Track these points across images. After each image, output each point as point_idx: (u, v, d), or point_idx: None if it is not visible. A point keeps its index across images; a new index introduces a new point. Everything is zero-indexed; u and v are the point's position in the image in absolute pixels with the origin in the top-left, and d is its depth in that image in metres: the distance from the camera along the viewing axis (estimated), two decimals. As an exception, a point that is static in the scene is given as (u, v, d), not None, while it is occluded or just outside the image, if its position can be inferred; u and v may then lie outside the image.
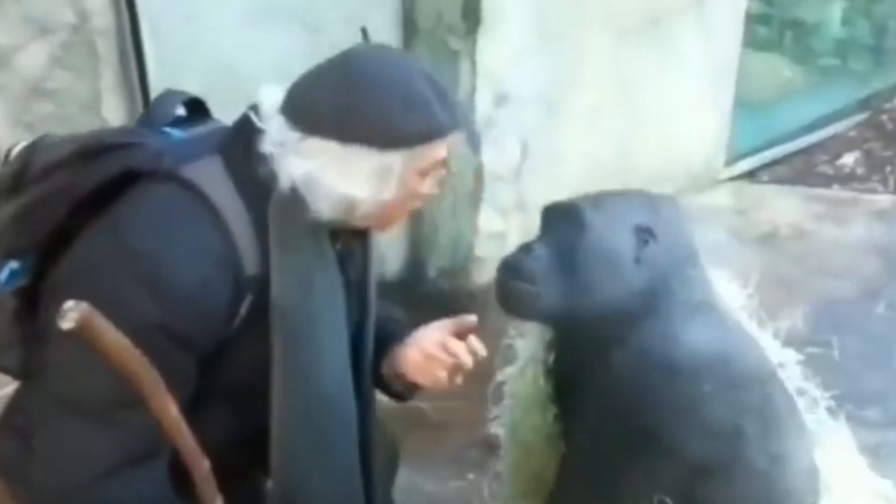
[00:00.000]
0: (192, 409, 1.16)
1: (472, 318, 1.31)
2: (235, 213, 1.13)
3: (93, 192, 1.15)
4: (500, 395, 1.78)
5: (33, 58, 1.74)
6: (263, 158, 1.13)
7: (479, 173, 2.78)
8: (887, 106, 4.58)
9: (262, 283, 1.16)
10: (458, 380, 1.32)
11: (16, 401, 1.21)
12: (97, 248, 1.13)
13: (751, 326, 1.51)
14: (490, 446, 2.28)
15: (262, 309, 1.17)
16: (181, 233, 1.12)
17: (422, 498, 2.05)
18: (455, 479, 2.12)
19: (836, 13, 4.74)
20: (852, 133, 4.41)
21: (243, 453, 1.28)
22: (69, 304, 0.79)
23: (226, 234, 1.13)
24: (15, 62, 1.72)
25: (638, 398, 1.33)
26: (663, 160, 3.47)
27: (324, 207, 1.14)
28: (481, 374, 2.52)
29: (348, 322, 1.26)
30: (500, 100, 2.75)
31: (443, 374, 1.29)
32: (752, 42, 3.84)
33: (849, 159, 4.19)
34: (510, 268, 1.38)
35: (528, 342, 1.66)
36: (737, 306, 1.51)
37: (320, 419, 1.23)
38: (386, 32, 2.63)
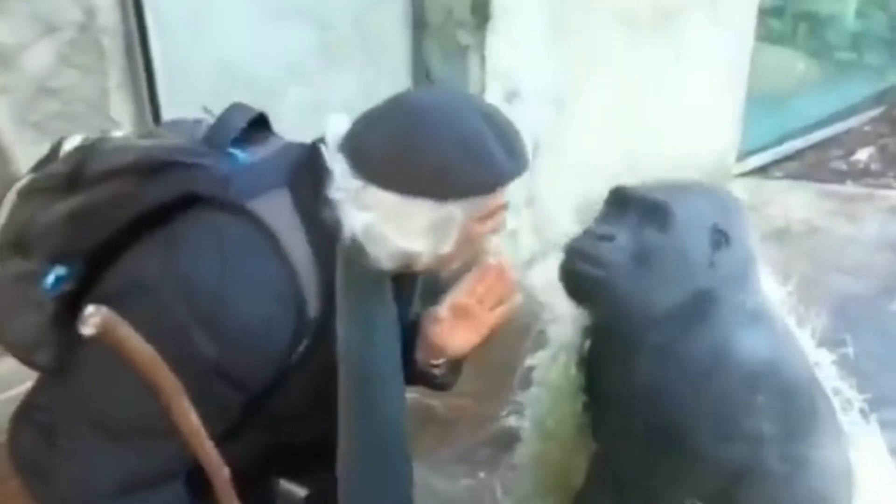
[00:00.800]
0: (229, 431, 1.15)
1: (491, 263, 1.25)
2: (301, 254, 1.10)
3: (151, 210, 1.11)
4: (527, 383, 1.74)
5: (40, 56, 1.73)
6: (329, 202, 1.10)
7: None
8: (902, 100, 4.55)
9: (320, 326, 1.13)
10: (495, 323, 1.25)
11: (38, 396, 1.19)
12: (154, 269, 1.09)
13: (792, 326, 1.47)
14: (501, 443, 2.27)
15: (314, 351, 1.14)
16: (246, 269, 1.08)
17: (432, 497, 2.04)
18: (466, 478, 2.11)
19: (850, 6, 4.69)
20: (866, 128, 4.37)
21: (271, 466, 1.28)
22: (90, 309, 0.78)
23: (291, 274, 1.10)
24: (21, 61, 1.71)
25: (681, 401, 1.29)
26: (675, 156, 3.44)
27: (383, 258, 1.12)
28: (492, 370, 2.55)
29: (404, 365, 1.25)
30: (511, 96, 2.73)
31: (478, 324, 1.24)
32: (765, 36, 3.82)
33: (863, 155, 4.16)
34: (584, 252, 1.31)
35: (561, 328, 1.62)
36: (777, 303, 1.47)
37: (381, 452, 1.22)
38: (395, 28, 2.62)
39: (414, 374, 1.34)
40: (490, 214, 1.14)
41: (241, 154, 1.17)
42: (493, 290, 1.24)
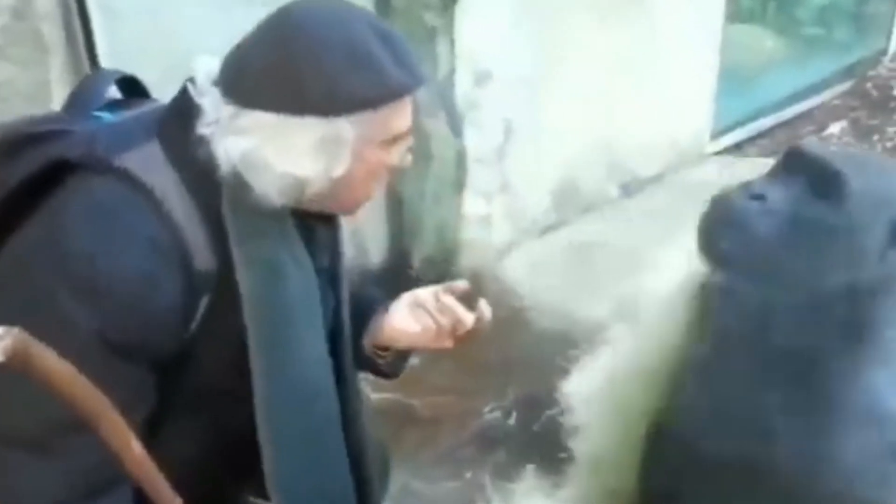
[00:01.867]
0: (160, 424, 1.07)
1: (461, 284, 1.21)
2: (180, 204, 1.00)
3: (22, 187, 1.02)
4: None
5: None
6: (202, 139, 1.00)
7: (461, 157, 2.69)
8: (871, 74, 4.54)
9: (220, 280, 1.03)
10: (449, 343, 1.22)
11: None
12: (27, 246, 1.01)
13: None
14: (486, 441, 2.20)
15: (223, 308, 1.04)
16: (119, 228, 0.99)
17: (415, 501, 1.95)
18: (450, 480, 2.02)
19: (817, -19, 4.68)
20: (837, 102, 4.36)
21: (226, 465, 1.17)
22: None
23: (171, 227, 1.00)
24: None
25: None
26: (649, 136, 3.40)
27: (270, 191, 1.00)
28: (473, 366, 2.47)
29: (324, 310, 1.15)
30: (482, 79, 2.65)
31: (432, 326, 1.19)
32: (734, 14, 3.77)
33: (835, 129, 4.14)
34: (727, 209, 1.19)
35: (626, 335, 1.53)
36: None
37: (302, 411, 1.12)
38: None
39: (360, 358, 1.28)
40: (392, 140, 1.05)
41: (107, 116, 1.09)
42: (454, 307, 1.19)
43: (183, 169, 1.01)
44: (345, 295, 1.23)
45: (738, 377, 1.24)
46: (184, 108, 1.02)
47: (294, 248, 1.08)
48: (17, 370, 0.66)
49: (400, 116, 1.04)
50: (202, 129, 1.00)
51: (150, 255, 0.98)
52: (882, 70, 4.58)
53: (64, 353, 0.76)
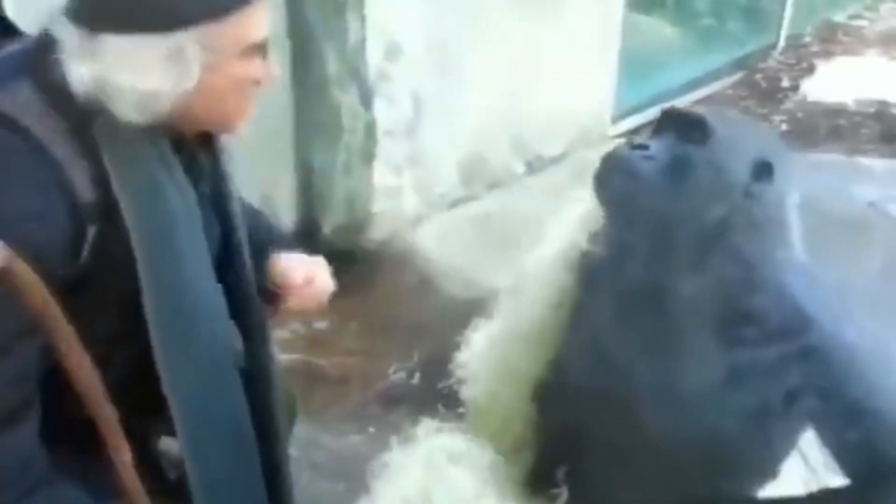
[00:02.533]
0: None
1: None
2: (55, 137, 1.02)
3: None
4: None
5: None
6: (62, 67, 1.02)
7: (371, 129, 2.75)
8: (761, 66, 4.81)
9: (104, 209, 1.06)
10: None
11: None
12: None
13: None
14: (391, 400, 2.30)
15: (111, 236, 1.07)
16: (4, 174, 1.00)
17: (321, 452, 2.03)
18: (355, 434, 2.11)
19: (713, -26, 4.91)
20: (729, 91, 4.60)
21: (130, 403, 1.15)
22: None
23: (48, 160, 1.02)
24: None
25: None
26: (555, 116, 3.53)
27: (126, 110, 1.03)
28: (379, 329, 2.55)
29: (208, 236, 1.18)
30: (392, 53, 2.71)
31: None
32: (636, 4, 3.93)
33: (727, 117, 4.39)
34: (616, 160, 1.33)
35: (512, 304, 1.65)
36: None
37: (187, 323, 1.14)
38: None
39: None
40: (248, 50, 1.08)
41: None
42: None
43: (54, 102, 1.03)
44: (236, 223, 1.25)
45: (604, 314, 1.38)
46: (46, 41, 1.04)
47: (173, 172, 1.11)
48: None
49: (249, 26, 1.06)
50: (62, 57, 1.02)
51: (30, 191, 1.01)
52: (772, 63, 4.86)
53: None
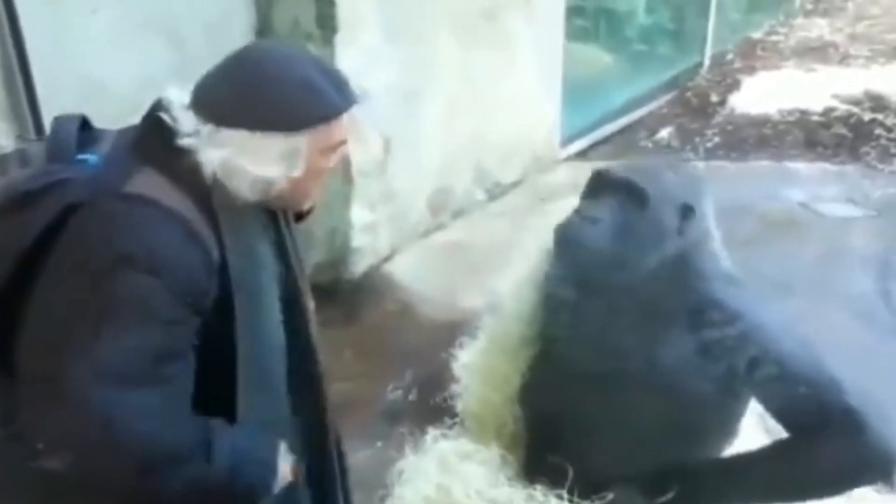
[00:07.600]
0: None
1: None
2: (183, 206, 1.22)
3: (39, 237, 1.17)
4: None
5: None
6: (185, 153, 1.22)
7: (347, 169, 2.95)
8: (690, 84, 5.16)
9: (222, 264, 1.26)
10: None
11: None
12: (75, 272, 1.17)
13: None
14: (393, 418, 2.47)
15: (222, 290, 1.26)
16: (151, 228, 1.20)
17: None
18: (365, 449, 2.28)
19: (640, 2, 5.24)
20: (664, 110, 4.92)
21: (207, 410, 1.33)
22: None
23: (182, 220, 1.21)
24: None
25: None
26: (511, 144, 3.78)
27: (244, 190, 1.25)
28: (369, 354, 2.73)
29: (279, 285, 1.37)
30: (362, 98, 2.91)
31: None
32: (573, 34, 4.21)
33: (664, 133, 4.68)
34: (572, 233, 1.60)
35: (493, 322, 1.89)
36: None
37: (265, 356, 1.34)
38: (244, 38, 2.73)
39: None
40: (333, 148, 1.31)
41: (90, 157, 1.27)
42: None
43: (177, 181, 1.23)
44: (302, 271, 1.45)
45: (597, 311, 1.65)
46: (159, 132, 1.24)
47: (265, 238, 1.33)
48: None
49: (339, 129, 1.30)
50: (184, 142, 1.22)
51: (180, 245, 1.21)
52: (700, 80, 5.21)
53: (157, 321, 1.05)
